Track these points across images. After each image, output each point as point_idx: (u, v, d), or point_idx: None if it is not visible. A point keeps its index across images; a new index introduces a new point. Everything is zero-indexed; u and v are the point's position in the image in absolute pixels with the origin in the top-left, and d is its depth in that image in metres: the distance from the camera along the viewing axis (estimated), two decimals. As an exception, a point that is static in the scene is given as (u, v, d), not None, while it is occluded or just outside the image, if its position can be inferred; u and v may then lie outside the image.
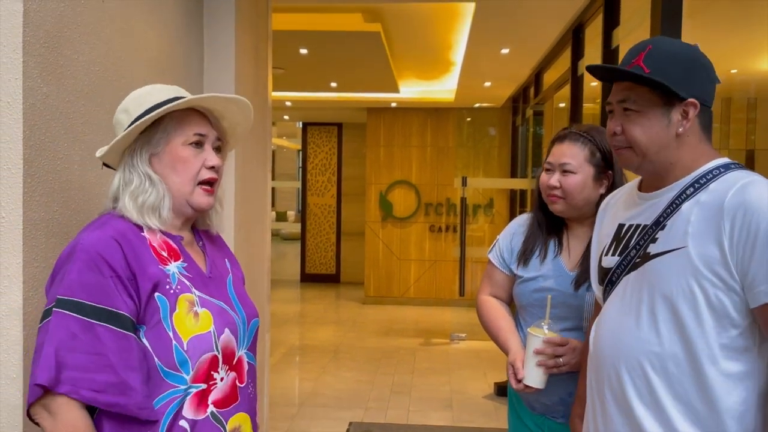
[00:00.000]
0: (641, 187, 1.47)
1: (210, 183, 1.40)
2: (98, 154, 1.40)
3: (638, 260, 1.37)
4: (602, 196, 1.81)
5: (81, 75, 1.68)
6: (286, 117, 10.74)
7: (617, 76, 1.42)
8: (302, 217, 10.85)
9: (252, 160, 3.09)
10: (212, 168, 1.39)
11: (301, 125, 10.96)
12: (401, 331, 7.40)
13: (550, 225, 1.93)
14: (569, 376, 1.79)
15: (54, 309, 1.20)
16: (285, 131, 15.78)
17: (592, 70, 1.43)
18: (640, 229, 1.40)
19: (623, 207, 1.52)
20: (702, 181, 1.33)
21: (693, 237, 1.28)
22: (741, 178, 1.28)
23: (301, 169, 11.02)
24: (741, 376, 1.26)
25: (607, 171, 1.84)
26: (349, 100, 8.46)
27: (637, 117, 1.36)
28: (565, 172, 1.82)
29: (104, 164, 1.45)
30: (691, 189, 1.33)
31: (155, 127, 1.35)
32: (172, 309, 1.28)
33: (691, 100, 1.32)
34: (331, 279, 10.69)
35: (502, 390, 5.01)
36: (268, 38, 3.41)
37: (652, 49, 1.34)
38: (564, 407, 1.84)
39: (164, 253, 1.35)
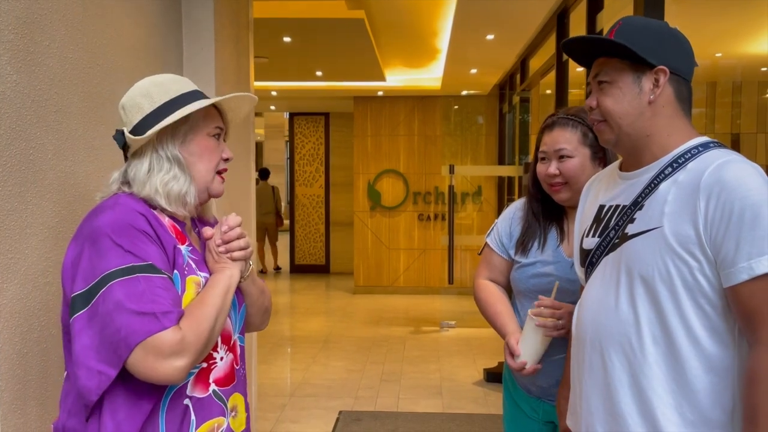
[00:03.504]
0: (621, 167, 1.47)
1: (222, 173, 1.48)
2: (128, 132, 1.38)
3: (617, 241, 1.37)
4: None
5: (53, 62, 1.65)
6: (272, 107, 10.68)
7: (590, 52, 1.43)
8: (290, 208, 10.81)
9: (235, 151, 3.06)
10: (226, 160, 1.48)
11: (287, 115, 10.90)
12: (391, 320, 7.40)
13: (548, 213, 1.90)
14: (562, 359, 1.78)
15: (109, 284, 1.21)
16: (272, 121, 15.70)
17: (566, 45, 1.44)
18: (619, 209, 1.40)
19: (604, 188, 1.51)
20: (680, 161, 1.32)
21: (669, 216, 1.27)
22: (719, 157, 1.28)
23: (288, 160, 10.95)
24: (719, 356, 1.25)
25: (603, 150, 1.81)
26: (335, 89, 8.41)
27: (609, 88, 1.37)
28: (561, 158, 1.80)
29: (120, 146, 1.43)
30: (669, 169, 1.32)
31: (184, 118, 1.38)
32: (183, 290, 1.32)
33: (660, 66, 1.32)
34: (321, 269, 10.67)
35: (491, 376, 5.02)
36: (249, 26, 3.37)
37: (622, 25, 1.37)
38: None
39: (173, 236, 1.37)
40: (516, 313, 1.93)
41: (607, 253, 1.40)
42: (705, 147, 1.33)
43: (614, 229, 1.38)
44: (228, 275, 1.37)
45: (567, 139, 1.80)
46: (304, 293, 9.19)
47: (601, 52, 1.40)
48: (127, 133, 1.39)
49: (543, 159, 1.84)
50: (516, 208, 2.00)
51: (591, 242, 1.45)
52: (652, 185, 1.34)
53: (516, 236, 1.93)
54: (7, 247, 1.45)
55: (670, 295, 1.27)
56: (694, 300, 1.25)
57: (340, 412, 4.37)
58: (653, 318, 1.29)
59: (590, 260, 1.44)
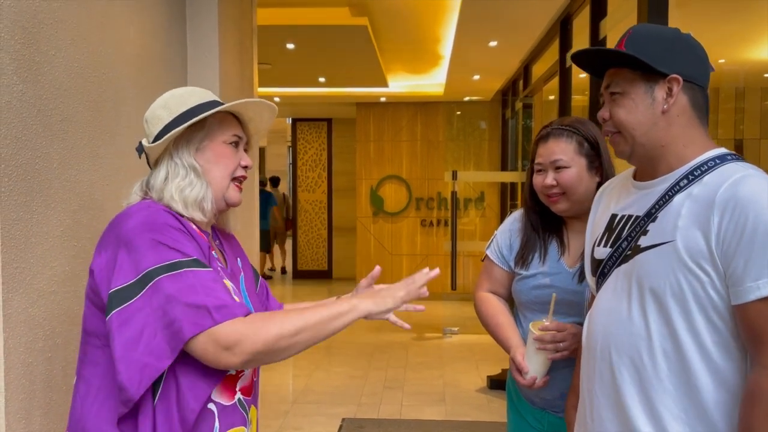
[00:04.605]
0: (636, 176, 1.44)
1: (241, 180, 1.48)
2: (148, 143, 1.40)
3: (629, 252, 1.35)
4: (599, 185, 1.79)
5: (59, 72, 1.65)
6: (276, 112, 10.68)
7: (601, 64, 1.41)
8: (293, 213, 10.82)
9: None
10: (245, 168, 1.47)
11: (290, 121, 10.91)
12: (393, 326, 7.37)
13: (547, 225, 1.89)
14: (569, 370, 1.76)
15: (156, 279, 1.22)
16: (274, 127, 15.70)
17: (575, 57, 1.42)
18: (632, 220, 1.37)
19: (617, 196, 1.48)
20: (696, 173, 1.28)
21: (682, 231, 1.24)
22: (736, 171, 1.24)
23: (291, 166, 10.97)
24: (731, 372, 1.24)
25: (599, 159, 1.81)
26: (338, 95, 8.42)
27: (621, 99, 1.35)
28: (558, 168, 1.78)
29: (139, 154, 1.45)
30: (685, 181, 1.29)
31: (199, 126, 1.40)
32: None
33: (673, 75, 1.30)
34: (324, 275, 10.66)
35: (495, 383, 5.01)
36: (253, 33, 3.38)
37: (632, 34, 1.34)
38: (563, 402, 1.80)
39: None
40: (518, 324, 1.91)
41: (619, 264, 1.37)
42: (722, 159, 1.29)
43: (626, 240, 1.36)
44: (353, 304, 1.34)
45: (563, 150, 1.79)
46: (306, 299, 9.16)
47: (612, 63, 1.37)
48: (144, 143, 1.41)
49: (539, 171, 1.83)
50: (514, 219, 1.98)
51: (603, 252, 1.43)
52: (667, 197, 1.31)
53: (516, 248, 1.92)
54: (12, 257, 1.45)
55: (682, 311, 1.24)
56: (706, 316, 1.23)
57: (343, 420, 4.36)
58: (664, 332, 1.27)
59: (602, 270, 1.42)
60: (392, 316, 1.52)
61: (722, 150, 1.32)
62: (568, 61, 4.74)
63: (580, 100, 4.85)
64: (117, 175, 1.97)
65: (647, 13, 2.92)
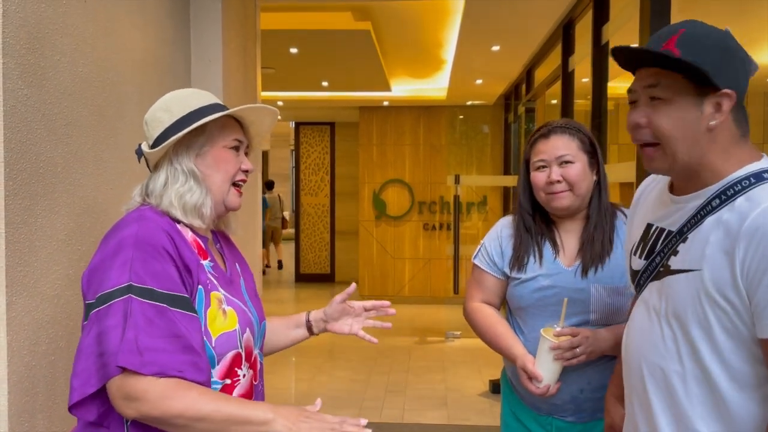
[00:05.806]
0: (672, 188, 1.34)
1: (241, 184, 1.47)
2: (149, 149, 1.39)
3: (661, 269, 1.30)
4: (596, 184, 1.81)
5: (64, 76, 1.66)
6: (278, 117, 10.70)
7: (646, 61, 1.25)
8: (296, 216, 10.84)
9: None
10: (245, 172, 1.46)
11: (293, 125, 10.94)
12: (396, 329, 7.35)
13: (539, 227, 1.87)
14: (578, 374, 1.75)
15: (129, 296, 1.20)
16: (278, 131, 15.76)
17: (618, 51, 1.26)
18: (665, 234, 1.32)
19: (653, 204, 1.42)
20: (729, 193, 1.19)
21: (708, 260, 1.18)
22: (766, 197, 1.14)
23: (294, 169, 10.99)
24: (762, 397, 1.18)
25: (597, 158, 1.81)
26: (341, 99, 8.44)
27: (665, 107, 1.21)
28: (563, 163, 1.77)
29: (139, 158, 1.45)
30: (717, 201, 1.20)
31: (200, 131, 1.39)
32: (207, 305, 1.32)
33: (726, 90, 1.17)
34: (326, 279, 10.66)
35: (497, 387, 5.00)
36: (257, 38, 3.40)
37: (685, 32, 1.19)
38: (574, 405, 1.79)
39: (195, 251, 1.37)
40: (518, 332, 1.89)
41: (652, 279, 1.32)
42: (758, 178, 1.19)
43: (659, 255, 1.31)
44: (269, 419, 1.24)
45: (566, 146, 1.78)
46: (309, 302, 9.18)
47: (658, 62, 1.22)
48: (143, 147, 1.40)
49: (540, 168, 1.81)
50: (503, 226, 1.96)
51: (639, 264, 1.38)
52: (699, 216, 1.23)
53: (508, 254, 1.89)
54: (16, 261, 1.46)
55: (708, 341, 1.19)
56: (735, 347, 1.17)
57: (345, 423, 4.36)
58: (692, 355, 1.22)
59: (638, 282, 1.38)
60: (360, 331, 1.66)
61: (761, 165, 1.21)
62: (571, 66, 4.75)
63: (582, 104, 4.85)
64: (120, 179, 1.99)
65: (650, 18, 2.93)
